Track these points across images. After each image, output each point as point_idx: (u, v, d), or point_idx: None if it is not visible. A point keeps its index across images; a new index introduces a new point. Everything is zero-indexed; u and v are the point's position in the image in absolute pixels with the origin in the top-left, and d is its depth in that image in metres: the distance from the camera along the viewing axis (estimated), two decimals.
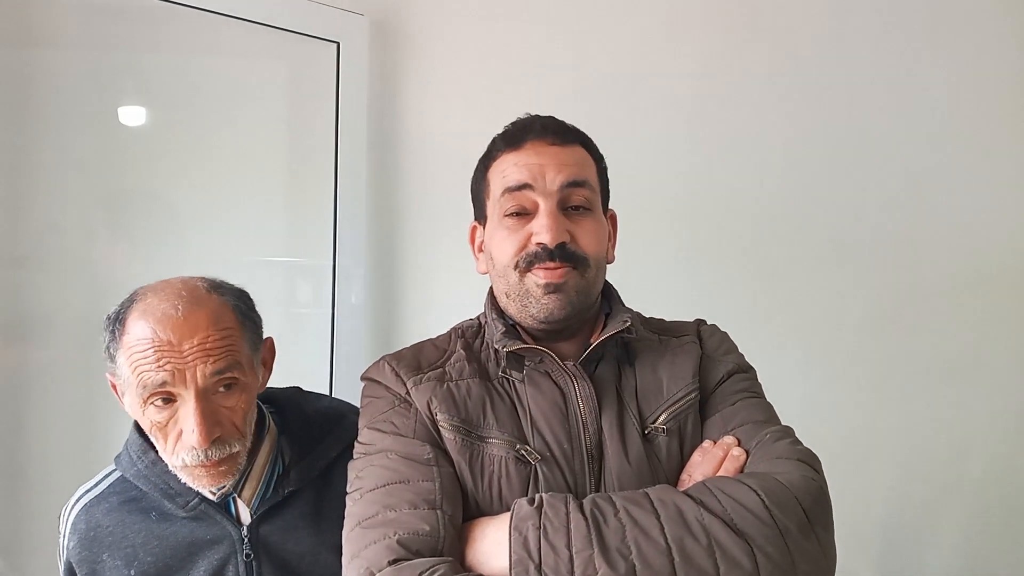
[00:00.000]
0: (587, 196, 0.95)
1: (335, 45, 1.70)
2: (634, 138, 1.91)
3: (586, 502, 0.78)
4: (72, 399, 1.49)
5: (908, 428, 2.07)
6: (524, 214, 0.93)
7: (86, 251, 1.52)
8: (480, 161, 1.02)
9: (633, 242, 1.86)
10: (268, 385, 1.08)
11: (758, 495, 0.77)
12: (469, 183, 1.05)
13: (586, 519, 0.75)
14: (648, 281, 1.90)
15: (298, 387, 1.14)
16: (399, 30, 1.82)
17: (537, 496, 0.80)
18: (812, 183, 2.04)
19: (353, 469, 0.90)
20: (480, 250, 1.03)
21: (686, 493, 0.79)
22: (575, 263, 0.91)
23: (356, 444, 0.93)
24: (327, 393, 1.67)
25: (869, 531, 2.05)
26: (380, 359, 0.98)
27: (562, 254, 0.90)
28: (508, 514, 0.79)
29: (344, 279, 1.71)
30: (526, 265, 0.92)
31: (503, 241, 0.94)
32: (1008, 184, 2.13)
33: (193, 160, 1.63)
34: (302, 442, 1.02)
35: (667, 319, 1.09)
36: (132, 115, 1.59)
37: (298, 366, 1.73)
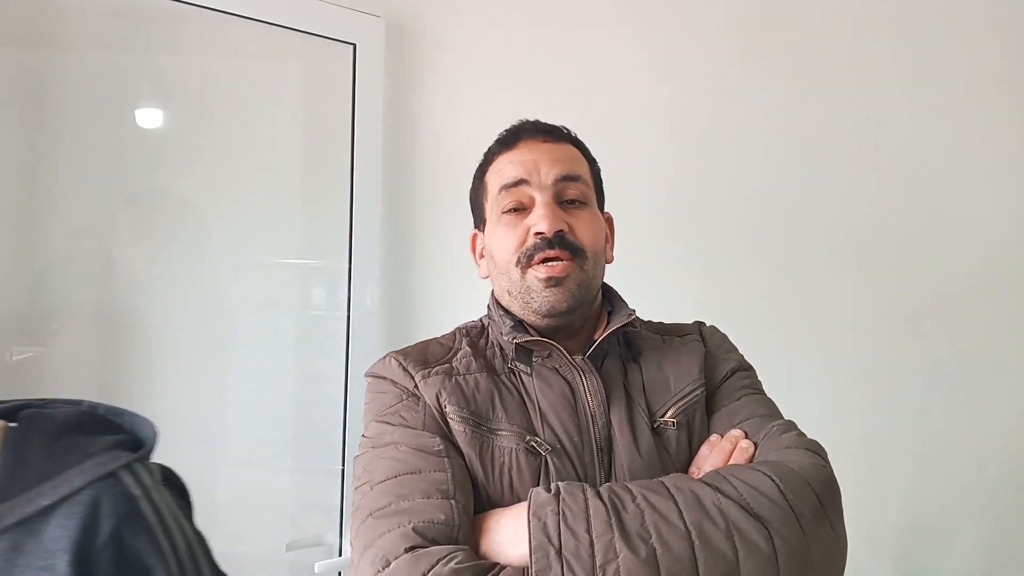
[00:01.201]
0: (582, 190, 0.98)
1: (351, 47, 1.70)
2: (648, 141, 1.92)
3: (603, 489, 0.78)
4: (89, 397, 1.49)
5: (925, 431, 2.05)
6: (521, 210, 0.96)
7: (105, 251, 1.53)
8: (477, 168, 1.06)
9: (647, 246, 1.87)
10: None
11: (773, 480, 0.77)
12: None
13: (605, 505, 0.75)
14: (661, 286, 1.89)
15: (81, 410, 0.82)
16: (416, 32, 1.82)
17: (553, 484, 0.80)
18: (827, 186, 2.03)
19: (360, 463, 0.90)
20: (481, 256, 1.05)
21: (701, 480, 0.79)
22: (573, 253, 0.93)
23: (362, 439, 0.93)
24: (343, 393, 1.67)
25: (886, 534, 2.03)
26: (385, 355, 0.99)
27: (561, 242, 0.92)
28: (523, 504, 0.79)
29: (360, 281, 1.71)
30: (527, 260, 0.93)
31: (502, 238, 0.96)
32: (1020, 184, 2.10)
33: (209, 162, 1.64)
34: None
35: (667, 322, 1.10)
36: (149, 117, 1.60)
37: (313, 368, 1.74)
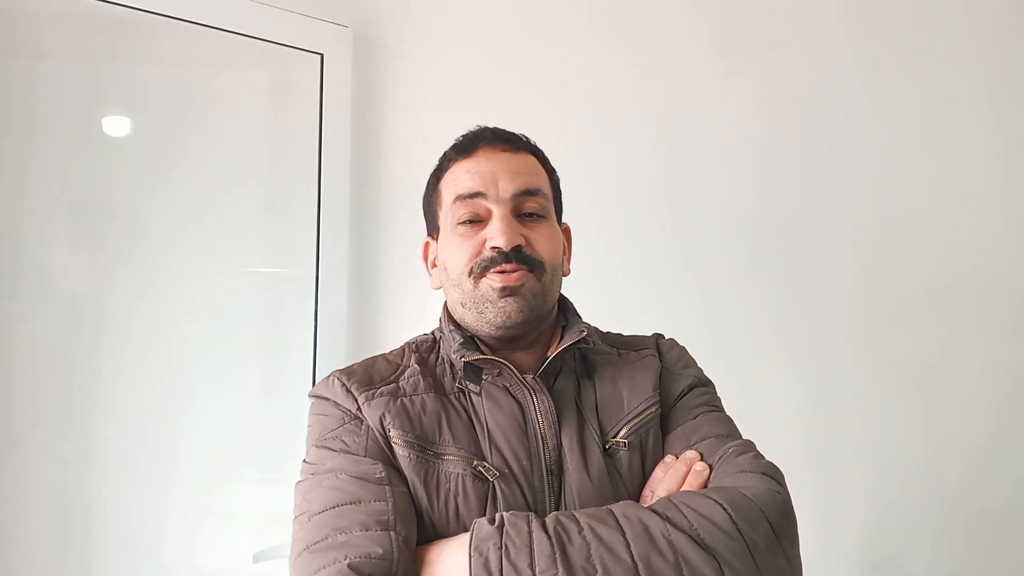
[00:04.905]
0: (541, 204, 0.94)
1: (319, 57, 1.70)
2: (615, 147, 1.92)
3: (549, 520, 0.75)
4: (32, 409, 1.47)
5: (887, 438, 2.07)
6: (477, 221, 0.92)
7: (65, 262, 1.51)
8: (431, 175, 1.01)
9: (616, 252, 1.89)
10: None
11: (724, 509, 0.75)
12: None
13: (549, 538, 0.72)
14: (630, 292, 1.91)
15: None
16: (383, 42, 1.82)
17: (497, 515, 0.77)
18: (790, 193, 2.04)
19: (300, 491, 0.86)
20: (433, 265, 1.01)
21: (651, 509, 0.77)
22: (531, 266, 0.90)
23: (303, 464, 0.90)
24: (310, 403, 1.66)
25: (849, 540, 2.04)
26: (329, 375, 0.95)
27: (517, 256, 0.89)
28: (466, 535, 0.76)
29: (327, 290, 1.70)
30: (480, 271, 0.90)
31: (456, 249, 0.92)
32: (981, 193, 2.13)
33: (176, 171, 1.62)
34: None
35: (624, 333, 1.07)
36: (115, 126, 1.58)
37: (280, 377, 1.73)
